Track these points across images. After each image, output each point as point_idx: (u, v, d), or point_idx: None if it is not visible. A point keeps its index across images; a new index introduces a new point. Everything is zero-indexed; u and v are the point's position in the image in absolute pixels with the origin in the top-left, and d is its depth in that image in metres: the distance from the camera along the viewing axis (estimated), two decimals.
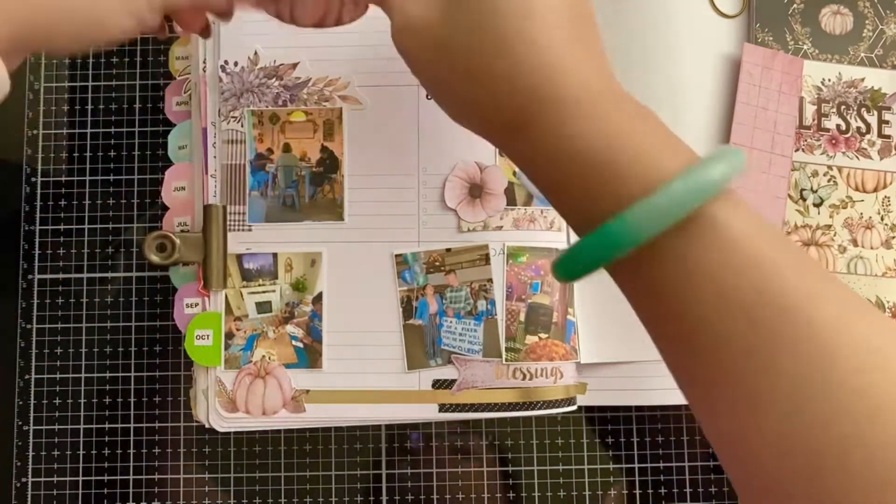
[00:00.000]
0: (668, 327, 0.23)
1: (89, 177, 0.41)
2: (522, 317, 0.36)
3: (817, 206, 0.40)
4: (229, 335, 0.36)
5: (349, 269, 0.37)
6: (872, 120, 0.42)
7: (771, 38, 0.42)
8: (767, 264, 0.21)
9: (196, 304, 0.36)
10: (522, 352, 0.36)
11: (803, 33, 0.42)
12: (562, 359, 0.36)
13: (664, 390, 0.38)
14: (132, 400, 0.40)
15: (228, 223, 0.36)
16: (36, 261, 0.40)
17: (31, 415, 0.39)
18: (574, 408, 0.37)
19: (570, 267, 0.23)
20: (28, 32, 0.25)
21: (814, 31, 0.42)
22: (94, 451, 0.39)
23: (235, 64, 0.37)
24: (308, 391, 0.36)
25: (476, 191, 0.37)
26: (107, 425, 0.40)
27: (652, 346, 0.38)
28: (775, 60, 0.41)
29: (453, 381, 0.36)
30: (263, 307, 0.36)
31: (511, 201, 0.37)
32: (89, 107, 0.41)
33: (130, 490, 0.39)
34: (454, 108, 0.27)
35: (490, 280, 0.36)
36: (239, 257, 0.36)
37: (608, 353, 0.38)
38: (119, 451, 0.39)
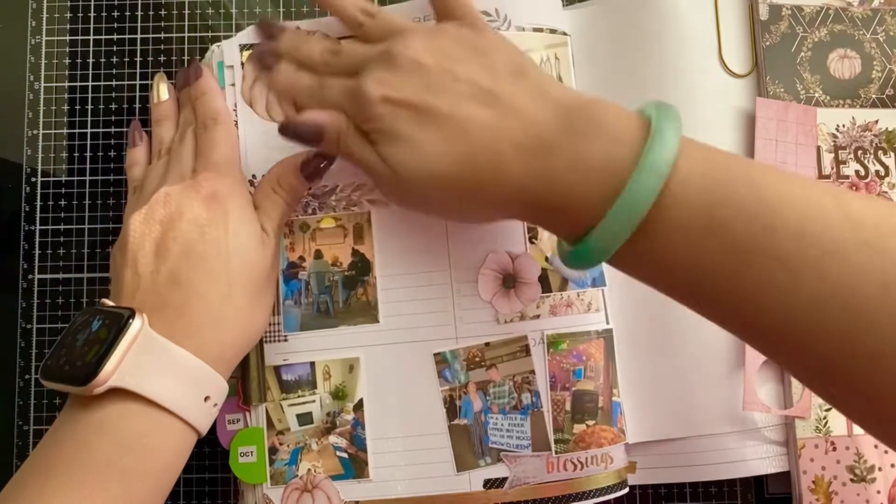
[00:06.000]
0: (696, 289, 0.26)
1: (89, 177, 0.41)
2: (568, 406, 0.35)
3: None
4: (273, 450, 0.35)
5: (388, 373, 0.36)
6: (890, 162, 0.42)
7: (782, 90, 0.42)
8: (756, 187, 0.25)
9: (238, 420, 0.36)
10: (571, 442, 0.35)
11: (813, 81, 0.42)
12: (611, 443, 0.36)
13: (714, 465, 0.37)
14: None
15: (264, 335, 0.36)
16: (36, 261, 0.40)
17: (31, 415, 0.39)
18: (626, 490, 0.36)
19: (581, 261, 0.28)
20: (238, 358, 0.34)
21: (823, 77, 0.42)
22: None
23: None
24: (357, 502, 0.35)
25: (510, 281, 0.36)
26: None
27: (698, 421, 0.38)
28: (789, 112, 0.41)
29: (504, 479, 0.35)
30: (305, 419, 0.36)
31: (546, 288, 0.36)
32: (89, 107, 0.41)
33: None
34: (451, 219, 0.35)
35: (532, 371, 0.36)
36: (277, 369, 0.36)
37: (656, 430, 0.37)
38: None
